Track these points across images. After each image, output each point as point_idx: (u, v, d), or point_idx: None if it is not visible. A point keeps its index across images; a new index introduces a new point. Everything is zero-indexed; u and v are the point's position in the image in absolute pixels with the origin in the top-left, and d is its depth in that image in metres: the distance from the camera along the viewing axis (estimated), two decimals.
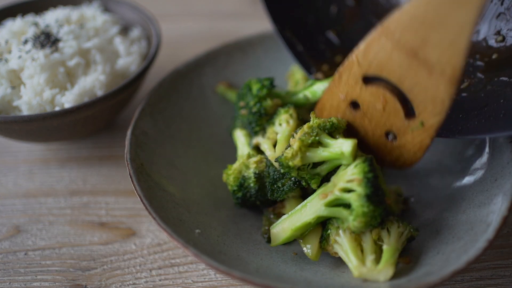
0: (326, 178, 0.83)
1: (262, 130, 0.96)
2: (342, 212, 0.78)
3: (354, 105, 0.86)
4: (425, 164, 0.99)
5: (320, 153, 0.81)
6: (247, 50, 1.18)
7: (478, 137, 0.81)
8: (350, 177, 0.77)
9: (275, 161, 0.85)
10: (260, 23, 1.53)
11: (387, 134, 0.85)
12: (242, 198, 0.92)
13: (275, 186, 0.87)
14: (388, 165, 0.88)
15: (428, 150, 0.95)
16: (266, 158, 0.91)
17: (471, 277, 0.86)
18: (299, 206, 0.84)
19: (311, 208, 0.82)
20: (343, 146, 0.80)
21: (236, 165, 0.92)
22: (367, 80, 0.82)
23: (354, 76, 0.82)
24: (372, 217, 0.76)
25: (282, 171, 0.83)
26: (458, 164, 0.94)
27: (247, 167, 0.91)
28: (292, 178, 0.85)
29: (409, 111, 0.80)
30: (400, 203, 0.90)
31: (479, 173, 0.89)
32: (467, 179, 0.90)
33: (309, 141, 0.81)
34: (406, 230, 0.82)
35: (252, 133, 0.97)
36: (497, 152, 0.88)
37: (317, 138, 0.82)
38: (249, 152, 0.93)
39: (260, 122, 0.95)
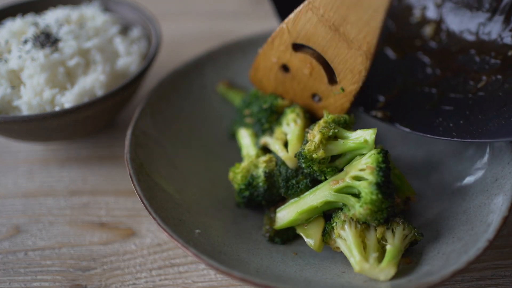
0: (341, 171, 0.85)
1: (269, 130, 0.96)
2: (350, 199, 0.80)
3: (285, 68, 0.96)
4: (425, 164, 0.99)
5: (343, 145, 0.83)
6: (247, 50, 1.18)
7: (499, 140, 0.81)
8: (363, 166, 0.79)
9: (295, 157, 0.86)
10: (260, 23, 1.53)
11: (313, 96, 0.95)
12: (248, 197, 0.91)
13: (289, 183, 0.87)
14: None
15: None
16: (277, 157, 0.91)
17: (472, 277, 0.86)
18: (308, 192, 0.85)
19: (319, 193, 0.83)
20: (366, 135, 0.82)
21: (244, 164, 0.92)
22: (297, 47, 0.91)
23: (285, 42, 0.92)
24: (379, 208, 0.76)
25: (303, 165, 0.84)
26: (458, 164, 0.94)
27: (256, 166, 0.91)
28: (308, 176, 0.87)
29: (332, 78, 0.91)
30: (401, 203, 0.90)
31: (480, 173, 0.89)
32: (467, 179, 0.90)
33: (329, 134, 0.83)
34: (410, 233, 0.81)
35: (259, 131, 0.98)
36: (498, 152, 0.88)
37: (336, 131, 0.84)
38: (258, 151, 0.94)
39: (270, 118, 0.96)
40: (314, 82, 0.93)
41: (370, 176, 0.77)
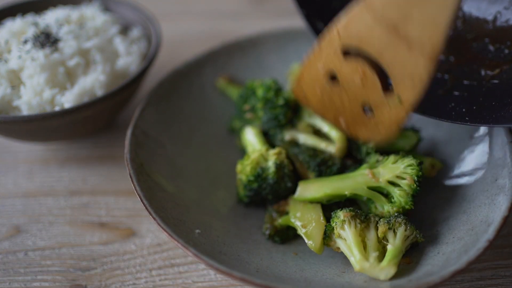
0: None
1: (288, 125, 0.98)
2: (380, 198, 0.85)
3: (333, 78, 0.86)
4: None
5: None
6: (247, 49, 1.18)
7: None
8: (402, 175, 0.84)
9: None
10: (260, 23, 1.53)
11: (364, 107, 0.85)
12: (255, 190, 0.91)
13: (321, 168, 0.90)
14: (363, 137, 0.88)
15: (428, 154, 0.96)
16: (292, 147, 0.94)
17: (472, 277, 0.86)
18: (339, 176, 0.88)
19: (352, 183, 0.86)
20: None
21: (254, 156, 0.92)
22: (347, 53, 0.82)
23: (334, 48, 0.82)
24: (404, 210, 0.84)
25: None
26: (458, 164, 0.94)
27: (265, 158, 0.91)
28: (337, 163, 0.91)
29: (386, 86, 0.81)
30: (434, 171, 0.93)
31: (480, 173, 0.89)
32: (467, 179, 0.90)
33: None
34: (412, 235, 0.81)
35: (277, 127, 0.98)
36: (498, 152, 0.88)
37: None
38: (267, 146, 0.95)
39: (287, 114, 0.98)
40: (366, 92, 0.83)
41: (407, 187, 0.83)
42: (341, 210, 0.83)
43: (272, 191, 0.91)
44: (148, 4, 1.47)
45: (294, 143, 0.96)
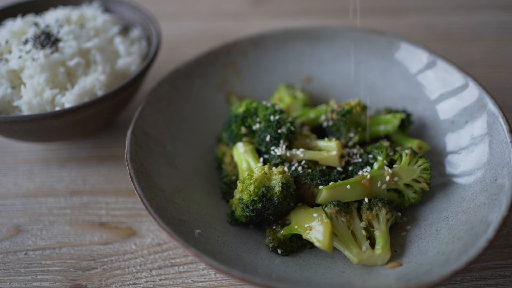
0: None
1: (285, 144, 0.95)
2: (395, 197, 0.91)
3: None
4: None
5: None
6: (247, 50, 1.18)
7: None
8: (418, 178, 0.90)
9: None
10: (260, 23, 1.53)
11: None
12: (259, 210, 0.86)
13: (325, 178, 0.90)
14: None
15: (428, 150, 0.97)
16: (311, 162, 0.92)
17: (471, 277, 0.86)
18: (360, 178, 0.88)
19: (374, 187, 0.88)
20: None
21: (257, 175, 0.87)
22: None
23: None
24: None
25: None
26: (458, 164, 0.94)
27: (269, 178, 0.87)
28: (340, 173, 0.92)
29: None
30: (421, 152, 0.95)
31: (479, 173, 0.89)
32: (467, 179, 0.90)
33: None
34: (392, 217, 0.86)
35: (274, 146, 0.94)
36: (497, 151, 0.88)
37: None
38: (269, 164, 0.91)
39: (290, 138, 0.95)
40: None
41: (420, 189, 0.90)
42: (325, 207, 0.85)
43: (275, 212, 0.87)
44: (148, 4, 1.47)
45: (290, 161, 0.93)
